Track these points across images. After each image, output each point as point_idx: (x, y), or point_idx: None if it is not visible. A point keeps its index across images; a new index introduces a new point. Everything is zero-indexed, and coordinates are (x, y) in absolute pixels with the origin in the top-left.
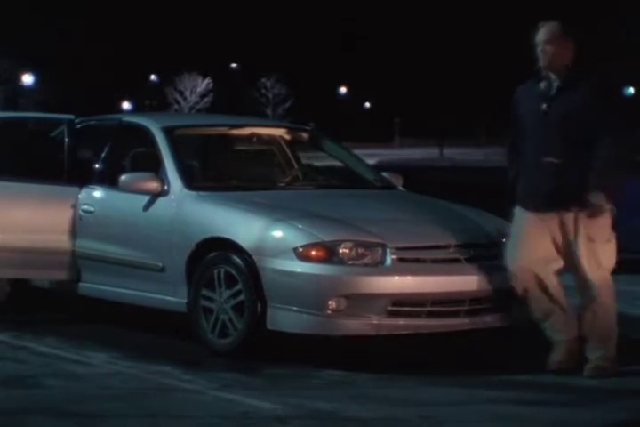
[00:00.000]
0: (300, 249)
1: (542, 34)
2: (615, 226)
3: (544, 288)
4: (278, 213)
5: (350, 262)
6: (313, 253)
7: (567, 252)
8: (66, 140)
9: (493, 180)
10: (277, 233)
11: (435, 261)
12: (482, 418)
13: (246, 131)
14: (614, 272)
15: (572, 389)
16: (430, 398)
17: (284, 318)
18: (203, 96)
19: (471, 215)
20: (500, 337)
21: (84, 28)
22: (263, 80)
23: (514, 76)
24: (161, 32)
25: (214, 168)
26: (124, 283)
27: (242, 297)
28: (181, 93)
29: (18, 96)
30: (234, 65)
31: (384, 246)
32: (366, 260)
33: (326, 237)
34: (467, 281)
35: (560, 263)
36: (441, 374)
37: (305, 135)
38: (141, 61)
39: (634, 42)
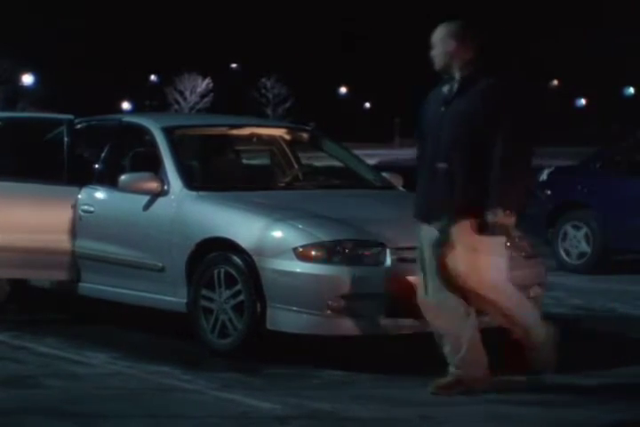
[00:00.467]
0: (300, 249)
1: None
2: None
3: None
4: (278, 213)
5: (350, 262)
6: (313, 253)
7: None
8: (66, 140)
9: None
10: (277, 233)
11: None
12: (482, 418)
13: (246, 131)
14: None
15: (572, 389)
16: (430, 398)
17: (284, 318)
18: (203, 96)
19: None
20: (499, 337)
21: (84, 28)
22: (263, 80)
23: (513, 76)
24: (161, 32)
25: (214, 168)
26: (123, 283)
27: (242, 297)
28: (181, 94)
29: (18, 96)
30: (234, 65)
31: (384, 246)
32: (366, 260)
33: (326, 237)
34: None
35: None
36: (441, 374)
37: (305, 135)
38: (141, 61)
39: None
